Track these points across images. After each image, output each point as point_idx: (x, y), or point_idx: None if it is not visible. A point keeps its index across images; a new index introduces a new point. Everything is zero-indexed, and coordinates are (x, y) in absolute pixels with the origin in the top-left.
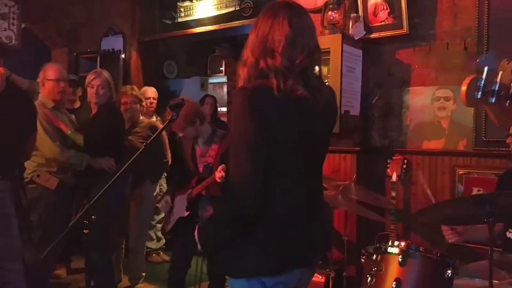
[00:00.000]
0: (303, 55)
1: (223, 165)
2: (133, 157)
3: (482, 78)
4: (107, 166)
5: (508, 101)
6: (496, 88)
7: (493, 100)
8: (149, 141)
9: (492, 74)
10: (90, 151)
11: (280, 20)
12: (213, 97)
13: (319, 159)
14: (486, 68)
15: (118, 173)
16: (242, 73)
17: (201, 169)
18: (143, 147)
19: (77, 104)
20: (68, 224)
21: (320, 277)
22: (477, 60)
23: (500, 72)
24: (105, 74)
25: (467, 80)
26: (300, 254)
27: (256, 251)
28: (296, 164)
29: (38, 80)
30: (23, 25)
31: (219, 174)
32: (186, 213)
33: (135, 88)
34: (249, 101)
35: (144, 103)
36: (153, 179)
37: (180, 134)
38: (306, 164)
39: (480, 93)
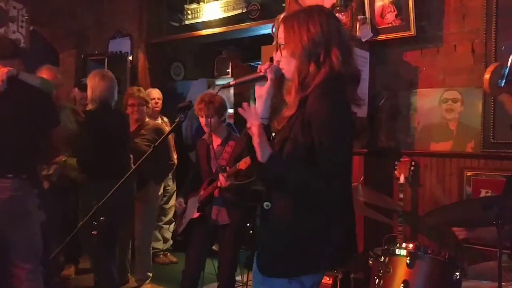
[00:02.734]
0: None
1: (223, 174)
2: (140, 160)
3: (506, 66)
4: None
5: None
6: None
7: None
8: (156, 143)
9: None
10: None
11: (342, 25)
12: None
13: None
14: (511, 56)
15: (127, 175)
16: (319, 73)
17: (214, 170)
18: (151, 150)
19: (89, 107)
20: (63, 225)
21: (328, 279)
22: (503, 48)
23: None
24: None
25: (491, 67)
26: (346, 254)
27: (320, 247)
28: (351, 164)
29: None
30: (31, 28)
31: (219, 183)
32: (197, 214)
33: (142, 89)
34: (344, 97)
35: (150, 105)
36: (157, 180)
37: (203, 123)
38: None
39: (504, 81)
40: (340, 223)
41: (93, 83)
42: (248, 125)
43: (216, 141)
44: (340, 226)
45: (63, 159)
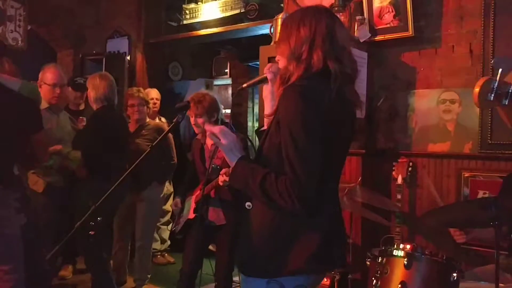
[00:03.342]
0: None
1: (225, 169)
2: (138, 160)
3: (495, 80)
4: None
5: None
6: (510, 90)
7: (506, 102)
8: (154, 143)
9: (505, 76)
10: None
11: (337, 25)
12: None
13: (344, 162)
14: (500, 70)
15: (124, 175)
16: (296, 70)
17: (209, 170)
18: (149, 149)
19: (82, 106)
20: (58, 227)
21: (325, 280)
22: (492, 62)
23: None
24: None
25: (480, 81)
26: (331, 259)
27: (298, 250)
28: (338, 167)
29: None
30: (29, 27)
31: (221, 178)
32: (193, 215)
33: (142, 90)
34: (310, 98)
35: (150, 105)
36: (160, 180)
37: (193, 123)
38: (341, 167)
39: (493, 95)
40: (321, 227)
41: (95, 83)
42: (219, 135)
43: (209, 141)
44: (321, 229)
45: (67, 150)
